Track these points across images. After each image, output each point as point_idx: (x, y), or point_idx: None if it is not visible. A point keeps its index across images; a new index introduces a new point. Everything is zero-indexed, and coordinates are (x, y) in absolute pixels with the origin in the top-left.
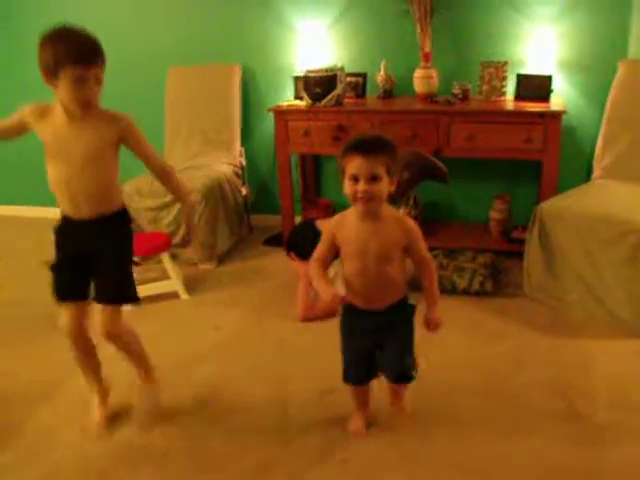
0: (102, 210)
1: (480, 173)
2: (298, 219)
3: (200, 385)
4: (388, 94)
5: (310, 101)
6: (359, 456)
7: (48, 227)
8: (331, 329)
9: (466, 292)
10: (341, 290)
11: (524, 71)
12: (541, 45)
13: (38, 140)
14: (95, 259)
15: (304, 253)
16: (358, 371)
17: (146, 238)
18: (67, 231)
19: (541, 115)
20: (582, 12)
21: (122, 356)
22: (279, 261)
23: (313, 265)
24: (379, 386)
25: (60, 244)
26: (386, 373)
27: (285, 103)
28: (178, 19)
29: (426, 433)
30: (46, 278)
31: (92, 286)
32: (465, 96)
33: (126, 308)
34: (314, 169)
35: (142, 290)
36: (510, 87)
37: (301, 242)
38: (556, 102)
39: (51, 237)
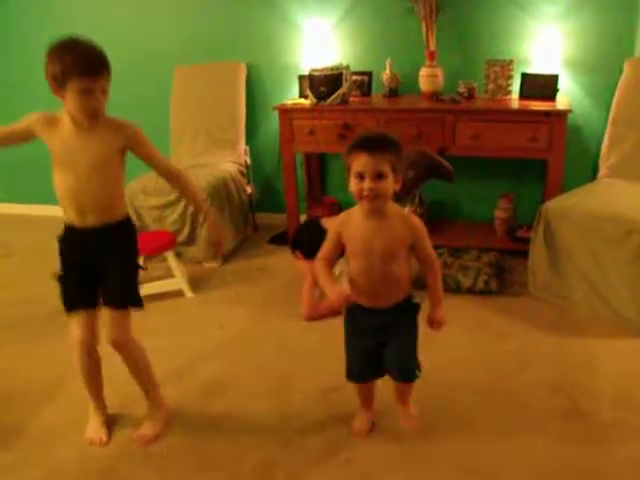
0: (106, 219)
1: (485, 172)
2: (303, 218)
3: (204, 383)
4: (393, 93)
5: (315, 100)
6: (363, 455)
7: (50, 226)
8: (336, 328)
9: (471, 291)
10: (347, 288)
11: (530, 70)
12: (547, 44)
13: None
14: (100, 267)
15: (309, 252)
16: (362, 369)
17: (151, 237)
18: (71, 239)
19: (547, 114)
20: (588, 11)
21: (128, 371)
22: (284, 260)
23: (319, 264)
24: (384, 385)
25: (64, 253)
26: (390, 372)
27: (290, 102)
28: (183, 18)
29: (430, 432)
30: (47, 277)
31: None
32: (470, 95)
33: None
34: (319, 167)
35: (147, 288)
36: (515, 86)
37: (306, 241)
38: (562, 101)
39: (54, 236)
